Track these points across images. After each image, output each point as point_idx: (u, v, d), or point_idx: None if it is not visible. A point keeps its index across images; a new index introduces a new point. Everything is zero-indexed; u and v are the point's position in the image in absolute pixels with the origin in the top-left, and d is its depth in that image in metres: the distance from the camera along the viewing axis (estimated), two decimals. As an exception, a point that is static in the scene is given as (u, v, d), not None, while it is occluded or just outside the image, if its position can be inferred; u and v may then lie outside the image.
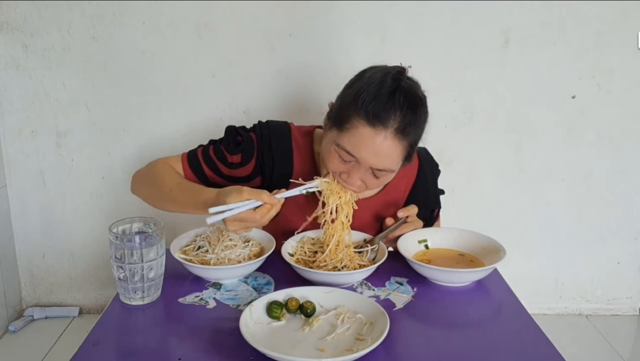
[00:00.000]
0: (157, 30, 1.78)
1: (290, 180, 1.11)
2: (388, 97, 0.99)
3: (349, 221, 1.08)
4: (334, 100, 1.09)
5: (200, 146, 1.21)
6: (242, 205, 0.96)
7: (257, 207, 0.98)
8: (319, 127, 1.23)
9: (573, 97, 1.91)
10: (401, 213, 1.15)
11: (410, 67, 1.06)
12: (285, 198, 1.03)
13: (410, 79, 1.05)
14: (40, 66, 1.81)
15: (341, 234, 1.07)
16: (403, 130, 0.99)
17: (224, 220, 0.97)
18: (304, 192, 1.06)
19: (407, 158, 1.06)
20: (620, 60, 1.86)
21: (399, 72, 1.03)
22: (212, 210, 0.97)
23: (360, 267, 1.04)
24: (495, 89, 1.88)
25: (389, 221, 1.16)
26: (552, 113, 1.92)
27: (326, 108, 1.11)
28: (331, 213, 1.06)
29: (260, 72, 1.83)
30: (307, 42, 1.80)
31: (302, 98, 1.82)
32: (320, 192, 1.07)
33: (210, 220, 0.96)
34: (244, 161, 1.17)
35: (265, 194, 0.98)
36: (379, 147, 1.00)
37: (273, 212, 0.99)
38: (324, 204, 1.07)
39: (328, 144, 1.06)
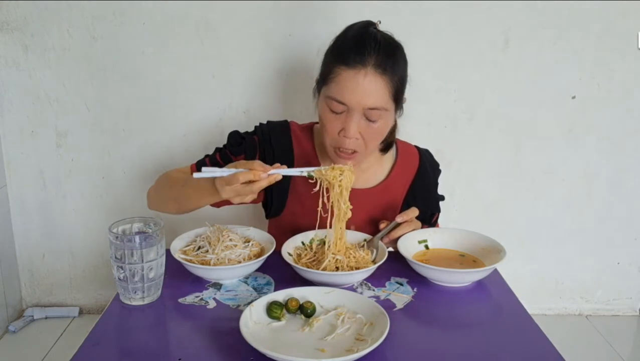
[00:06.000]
0: (157, 30, 1.77)
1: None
2: (362, 37, 1.06)
3: (349, 208, 1.04)
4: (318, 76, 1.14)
5: (206, 156, 1.24)
6: (232, 170, 0.97)
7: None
8: (318, 123, 1.23)
9: (573, 97, 1.90)
10: (400, 218, 1.13)
11: (380, 21, 1.12)
12: (291, 195, 1.06)
13: (382, 31, 1.11)
14: (40, 66, 1.81)
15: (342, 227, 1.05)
16: (381, 65, 1.04)
17: (219, 186, 0.98)
18: (301, 173, 1.03)
19: (396, 100, 1.09)
20: (620, 60, 1.86)
21: (370, 22, 1.10)
22: (204, 169, 1.02)
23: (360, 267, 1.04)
24: (495, 89, 1.88)
25: (383, 225, 1.15)
26: (552, 113, 1.91)
27: None
28: (328, 195, 1.03)
29: (260, 72, 1.83)
30: (307, 42, 1.79)
31: (302, 99, 1.82)
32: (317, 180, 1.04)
33: (196, 174, 1.01)
34: (247, 159, 1.18)
35: (257, 163, 0.98)
36: (362, 86, 1.04)
37: (263, 184, 0.97)
38: (327, 190, 1.04)
39: (321, 104, 1.12)
